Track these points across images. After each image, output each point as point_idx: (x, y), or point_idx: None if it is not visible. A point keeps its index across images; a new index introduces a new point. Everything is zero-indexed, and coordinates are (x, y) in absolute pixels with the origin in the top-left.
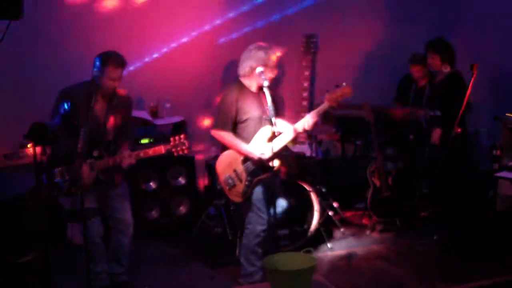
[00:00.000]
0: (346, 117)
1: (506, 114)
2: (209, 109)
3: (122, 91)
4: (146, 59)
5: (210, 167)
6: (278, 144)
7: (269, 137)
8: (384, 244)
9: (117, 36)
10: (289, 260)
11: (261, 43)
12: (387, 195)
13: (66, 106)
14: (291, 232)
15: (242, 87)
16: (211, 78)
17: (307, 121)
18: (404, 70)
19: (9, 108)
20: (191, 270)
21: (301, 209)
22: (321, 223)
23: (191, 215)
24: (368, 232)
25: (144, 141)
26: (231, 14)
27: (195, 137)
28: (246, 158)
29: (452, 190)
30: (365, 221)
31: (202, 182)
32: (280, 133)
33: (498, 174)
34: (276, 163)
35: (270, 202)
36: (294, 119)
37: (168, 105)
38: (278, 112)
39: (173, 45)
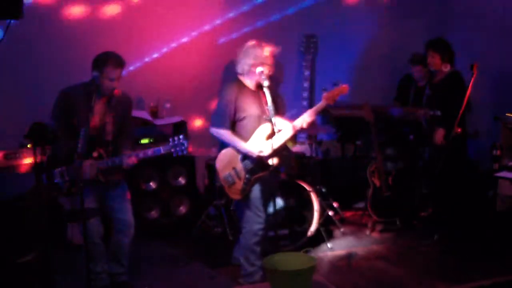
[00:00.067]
0: (346, 117)
1: (506, 114)
2: (209, 109)
3: (116, 91)
4: (146, 59)
5: (210, 167)
6: (278, 141)
7: (268, 135)
8: (384, 244)
9: (117, 36)
10: (289, 260)
11: (258, 41)
12: (387, 195)
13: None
14: (291, 232)
15: (241, 85)
16: (211, 78)
17: (304, 119)
18: (404, 70)
19: (9, 108)
20: (191, 270)
21: (301, 209)
22: (321, 223)
23: (191, 215)
24: (368, 232)
25: (144, 141)
26: (231, 14)
27: (195, 137)
28: (245, 156)
29: (452, 190)
30: (365, 221)
31: (202, 182)
32: (279, 131)
33: (498, 174)
34: (273, 161)
35: (268, 200)
36: (294, 119)
37: (168, 105)
38: (278, 112)
39: (173, 45)
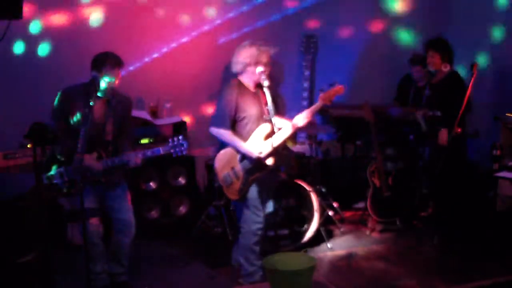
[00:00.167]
0: (346, 117)
1: (506, 114)
2: (209, 108)
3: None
4: (146, 59)
5: (210, 167)
6: (278, 139)
7: (267, 134)
8: (384, 244)
9: (117, 36)
10: (289, 260)
11: (252, 40)
12: (387, 195)
13: None
14: (291, 232)
15: (241, 85)
16: (211, 78)
17: (302, 118)
18: (404, 70)
19: (9, 108)
20: (191, 270)
21: (301, 209)
22: (321, 223)
23: (191, 215)
24: (368, 232)
25: (144, 141)
26: (231, 14)
27: (195, 137)
28: (244, 156)
29: (452, 190)
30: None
31: (202, 182)
32: (279, 129)
33: (498, 174)
34: (270, 161)
35: (266, 200)
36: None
37: (168, 105)
38: (278, 112)
39: (173, 45)
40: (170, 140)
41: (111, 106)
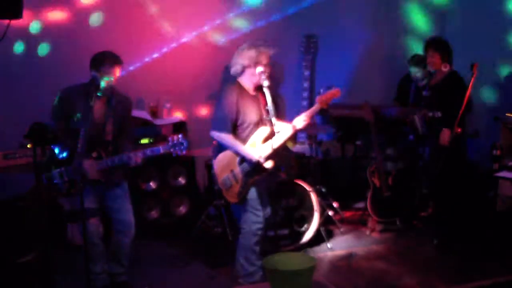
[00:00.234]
0: (346, 117)
1: (506, 114)
2: (209, 109)
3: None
4: (146, 59)
5: (210, 167)
6: (278, 141)
7: (266, 137)
8: (384, 244)
9: (117, 36)
10: (289, 260)
11: (252, 42)
12: (387, 195)
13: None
14: (291, 232)
15: (241, 88)
16: (211, 78)
17: (301, 120)
18: (404, 70)
19: (9, 108)
20: (191, 270)
21: (301, 209)
22: (321, 223)
23: (191, 215)
24: (368, 232)
25: (144, 141)
26: (231, 14)
27: (195, 136)
28: (243, 159)
29: (452, 190)
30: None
31: (203, 182)
32: (279, 132)
33: (498, 174)
34: (269, 164)
35: (266, 201)
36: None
37: (168, 105)
38: (279, 113)
39: (173, 45)
40: (169, 139)
41: (111, 106)
